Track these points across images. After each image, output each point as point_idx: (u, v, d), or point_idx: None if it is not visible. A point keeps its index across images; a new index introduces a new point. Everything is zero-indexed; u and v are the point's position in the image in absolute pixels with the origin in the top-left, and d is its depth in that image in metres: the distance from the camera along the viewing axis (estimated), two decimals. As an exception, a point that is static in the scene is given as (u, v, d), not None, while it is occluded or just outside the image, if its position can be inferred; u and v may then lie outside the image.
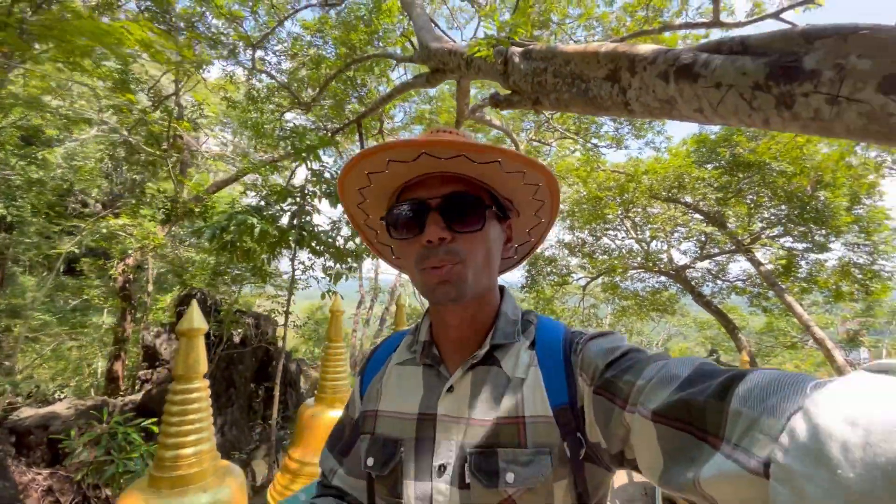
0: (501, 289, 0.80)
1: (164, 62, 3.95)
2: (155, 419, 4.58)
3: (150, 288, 6.33)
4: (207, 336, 6.05)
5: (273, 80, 6.87)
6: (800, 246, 8.45)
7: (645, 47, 1.95)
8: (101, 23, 2.91)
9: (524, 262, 0.91)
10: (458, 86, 4.05)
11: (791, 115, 1.49)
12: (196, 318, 2.07)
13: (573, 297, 13.49)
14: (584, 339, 0.69)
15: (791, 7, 3.32)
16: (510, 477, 0.61)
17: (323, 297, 4.61)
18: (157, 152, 6.87)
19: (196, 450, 1.99)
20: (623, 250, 11.16)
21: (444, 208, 0.68)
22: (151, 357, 5.89)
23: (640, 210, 10.02)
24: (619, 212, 9.98)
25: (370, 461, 0.72)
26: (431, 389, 0.72)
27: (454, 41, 3.92)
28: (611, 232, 11.26)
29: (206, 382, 2.10)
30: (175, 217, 6.44)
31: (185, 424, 2.00)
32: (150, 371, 5.74)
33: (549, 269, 12.36)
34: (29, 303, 6.31)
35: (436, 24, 4.95)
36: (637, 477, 4.76)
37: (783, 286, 8.16)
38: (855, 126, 1.34)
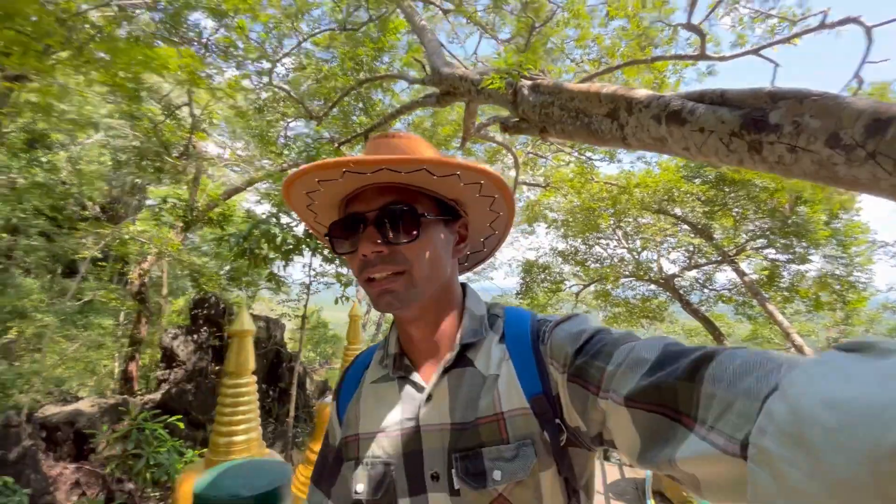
0: (464, 286, 0.80)
1: (205, 87, 4.22)
2: (179, 416, 4.82)
3: (165, 291, 6.51)
4: (222, 338, 6.25)
5: (282, 91, 7.12)
6: (782, 257, 8.87)
7: (641, 92, 2.28)
8: (148, 50, 3.18)
9: (495, 253, 0.92)
10: (467, 107, 4.36)
11: (760, 158, 1.82)
12: (246, 321, 2.35)
13: (566, 304, 13.83)
14: (549, 326, 0.69)
15: (770, 45, 3.68)
16: (497, 474, 0.62)
17: (336, 302, 4.86)
18: (174, 160, 7.10)
19: (246, 437, 2.26)
20: (615, 259, 11.53)
21: (379, 220, 0.67)
22: (169, 358, 6.08)
23: (631, 220, 10.40)
24: (612, 222, 10.36)
25: (359, 487, 0.71)
26: (410, 401, 0.72)
27: (466, 67, 4.24)
28: (603, 241, 11.63)
29: (254, 378, 2.37)
30: (192, 223, 6.67)
31: (237, 415, 2.27)
32: (167, 371, 5.94)
33: (542, 277, 12.71)
34: (42, 305, 6.48)
35: (441, 45, 5.27)
36: (628, 472, 5.05)
37: (766, 295, 8.59)
38: (809, 170, 1.67)
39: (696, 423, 0.42)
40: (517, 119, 3.23)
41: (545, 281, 12.73)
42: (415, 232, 0.67)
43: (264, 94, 7.77)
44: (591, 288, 12.59)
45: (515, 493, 0.62)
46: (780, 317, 7.23)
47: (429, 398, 0.70)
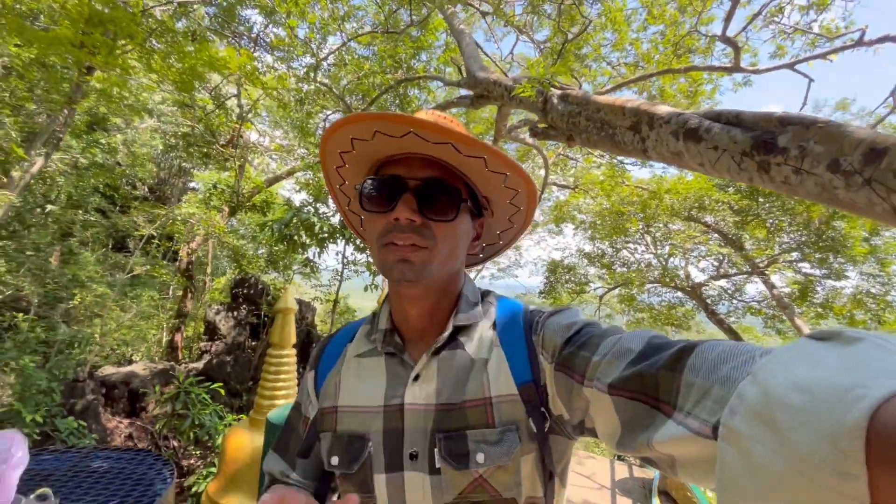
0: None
1: (260, 85, 4.58)
2: (220, 384, 5.30)
3: (210, 270, 7.03)
4: (259, 316, 6.67)
5: (323, 86, 7.45)
6: (817, 272, 8.63)
7: (662, 108, 2.41)
8: (212, 50, 3.52)
9: (494, 259, 0.94)
10: (499, 111, 4.54)
11: (769, 177, 1.95)
12: (290, 300, 2.65)
13: (590, 306, 13.81)
14: (543, 317, 0.71)
15: (804, 60, 3.70)
16: (481, 457, 0.62)
17: (366, 289, 5.17)
18: (223, 147, 7.60)
19: (286, 401, 2.55)
20: (641, 264, 11.45)
21: (420, 191, 0.67)
22: (211, 331, 6.62)
23: (661, 226, 10.30)
24: (641, 226, 10.29)
25: (334, 460, 0.70)
26: (396, 378, 0.71)
27: (501, 70, 4.41)
28: (631, 245, 11.56)
29: (294, 350, 2.67)
30: (238, 208, 7.15)
31: (279, 381, 2.57)
32: (209, 343, 6.46)
33: (567, 277, 12.74)
34: (97, 276, 7.10)
35: (478, 45, 5.45)
36: (637, 472, 5.16)
37: (799, 310, 8.40)
38: (812, 192, 1.80)
39: (674, 411, 0.44)
40: (546, 126, 3.40)
41: (569, 282, 12.75)
42: (453, 214, 0.68)
43: (306, 87, 8.14)
44: (616, 291, 12.54)
45: (495, 476, 0.64)
46: (807, 331, 7.12)
47: (416, 377, 0.70)
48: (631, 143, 2.61)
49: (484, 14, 6.70)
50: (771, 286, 8.09)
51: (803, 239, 8.12)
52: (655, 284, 11.13)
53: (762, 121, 1.95)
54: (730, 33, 4.05)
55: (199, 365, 6.14)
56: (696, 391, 0.42)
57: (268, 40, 6.80)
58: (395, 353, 0.74)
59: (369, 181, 0.69)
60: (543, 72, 3.04)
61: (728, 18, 3.83)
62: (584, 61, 4.99)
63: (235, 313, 6.65)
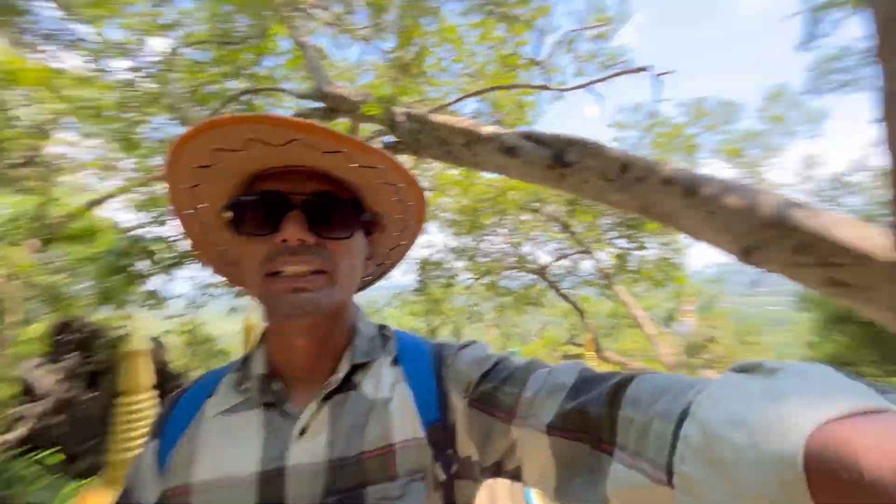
0: None
1: (71, 103, 3.84)
2: (53, 449, 4.34)
3: (15, 319, 5.61)
4: (95, 363, 5.73)
5: (148, 94, 6.62)
6: (629, 246, 10.74)
7: (488, 129, 2.86)
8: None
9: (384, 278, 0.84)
10: (353, 125, 4.69)
11: (567, 184, 2.50)
12: (139, 341, 2.45)
13: (460, 298, 14.80)
14: (453, 350, 0.66)
15: (591, 83, 4.64)
16: None
17: (228, 313, 4.83)
18: (14, 170, 6.16)
19: (147, 450, 2.36)
20: (500, 253, 12.74)
21: (309, 208, 0.58)
22: (28, 391, 5.32)
23: (511, 218, 11.63)
24: (495, 220, 11.47)
25: None
26: (276, 435, 0.58)
27: (351, 79, 4.54)
28: (489, 238, 12.77)
29: (153, 394, 2.47)
30: (51, 240, 5.85)
31: (133, 431, 2.37)
32: (30, 405, 5.19)
33: (437, 273, 13.47)
34: None
35: (324, 54, 5.49)
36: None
37: (621, 277, 10.39)
38: (593, 194, 2.38)
39: (616, 449, 0.43)
40: (395, 140, 3.68)
41: (440, 277, 13.50)
42: (350, 230, 0.61)
43: (126, 93, 7.09)
44: (482, 280, 13.70)
45: None
46: (623, 295, 8.85)
47: (303, 431, 0.58)
48: (466, 157, 3.03)
49: (328, 24, 6.72)
50: (597, 261, 9.81)
51: (618, 221, 10.03)
52: (513, 270, 12.51)
53: (558, 141, 2.50)
54: (543, 55, 4.88)
55: (17, 434, 4.96)
56: (636, 427, 0.41)
57: (69, 38, 5.77)
58: (274, 404, 0.60)
59: (245, 200, 0.59)
60: (386, 95, 3.30)
61: (539, 43, 4.60)
62: (425, 74, 5.42)
63: (61, 364, 5.52)
